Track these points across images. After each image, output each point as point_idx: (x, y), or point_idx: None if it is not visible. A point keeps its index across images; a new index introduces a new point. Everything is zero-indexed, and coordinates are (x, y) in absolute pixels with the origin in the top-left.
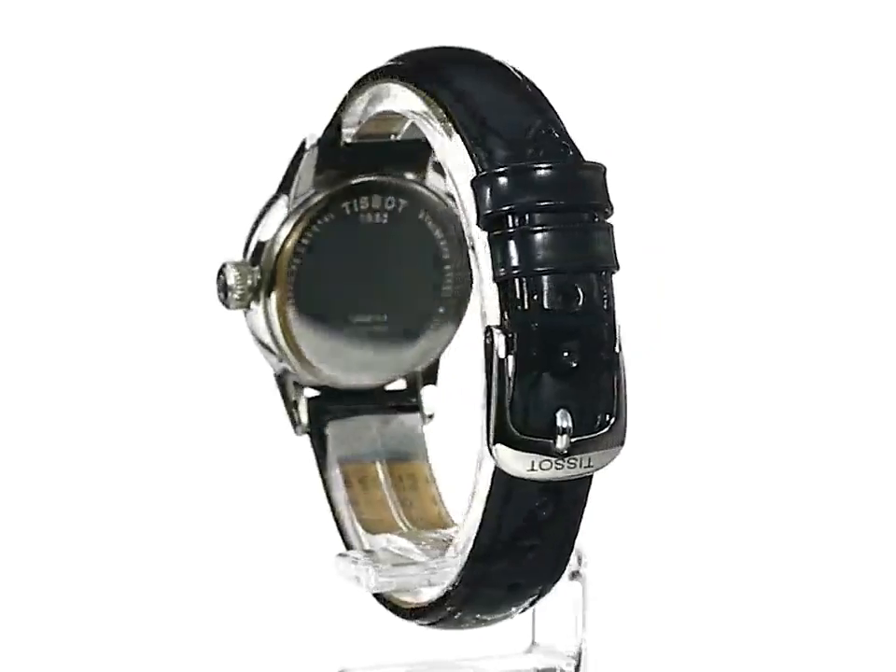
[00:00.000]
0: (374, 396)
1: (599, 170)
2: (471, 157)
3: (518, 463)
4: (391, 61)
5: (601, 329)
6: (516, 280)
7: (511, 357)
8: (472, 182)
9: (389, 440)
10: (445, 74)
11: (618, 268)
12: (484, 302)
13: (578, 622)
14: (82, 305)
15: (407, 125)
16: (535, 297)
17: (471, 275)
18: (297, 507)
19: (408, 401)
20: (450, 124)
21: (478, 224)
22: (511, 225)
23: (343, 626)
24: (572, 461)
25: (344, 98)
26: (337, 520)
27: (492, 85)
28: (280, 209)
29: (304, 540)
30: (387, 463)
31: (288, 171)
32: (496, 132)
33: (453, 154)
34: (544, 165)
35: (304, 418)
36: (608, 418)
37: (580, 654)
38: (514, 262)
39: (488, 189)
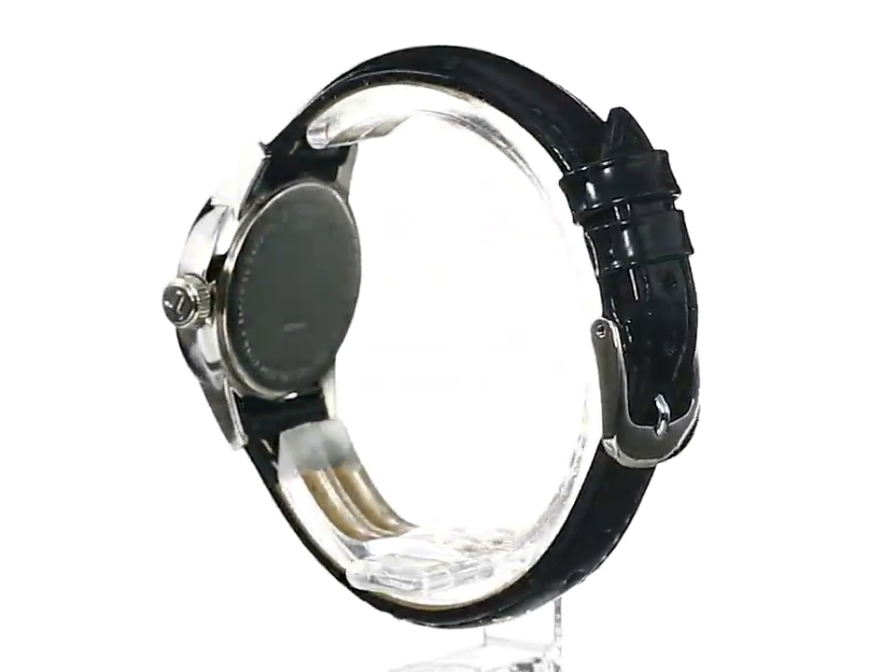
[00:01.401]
0: (296, 404)
1: (664, 155)
2: (554, 156)
3: (629, 452)
4: (375, 64)
5: (691, 314)
6: (625, 273)
7: (623, 348)
8: (562, 181)
9: (328, 446)
10: (479, 71)
11: (693, 251)
12: (576, 298)
13: (553, 615)
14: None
15: (372, 128)
16: (645, 287)
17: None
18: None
19: (325, 406)
20: (514, 122)
21: (575, 222)
22: (612, 219)
23: (326, 635)
24: (667, 446)
25: (314, 104)
26: (300, 529)
27: (523, 81)
28: (223, 220)
29: (260, 551)
30: (332, 469)
31: (233, 180)
32: (565, 128)
33: (524, 152)
34: (631, 157)
35: (241, 431)
36: (690, 403)
37: (559, 648)
38: (621, 256)
39: (583, 187)
